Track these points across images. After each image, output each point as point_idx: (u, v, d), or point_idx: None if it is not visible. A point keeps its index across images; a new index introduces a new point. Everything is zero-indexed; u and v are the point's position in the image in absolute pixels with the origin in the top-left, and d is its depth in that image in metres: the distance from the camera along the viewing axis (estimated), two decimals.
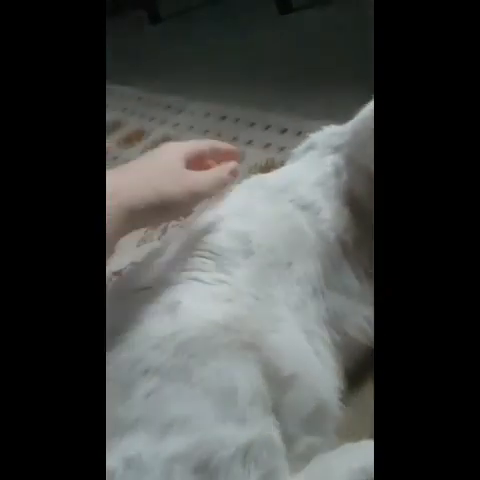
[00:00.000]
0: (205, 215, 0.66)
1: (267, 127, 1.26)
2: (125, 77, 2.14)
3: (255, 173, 1.06)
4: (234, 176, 0.58)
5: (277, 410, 0.48)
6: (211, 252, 0.57)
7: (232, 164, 0.58)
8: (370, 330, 0.59)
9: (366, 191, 0.61)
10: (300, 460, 0.49)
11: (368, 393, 0.59)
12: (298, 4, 2.08)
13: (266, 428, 0.46)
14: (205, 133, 1.38)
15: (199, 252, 0.57)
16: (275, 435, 0.47)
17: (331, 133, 0.69)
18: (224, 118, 1.41)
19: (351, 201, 0.61)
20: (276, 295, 0.56)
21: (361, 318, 0.59)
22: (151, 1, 2.92)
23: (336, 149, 0.65)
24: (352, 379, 0.60)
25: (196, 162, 0.56)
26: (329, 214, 0.60)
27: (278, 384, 0.49)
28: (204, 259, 0.56)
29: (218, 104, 1.51)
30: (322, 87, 1.41)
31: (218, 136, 1.33)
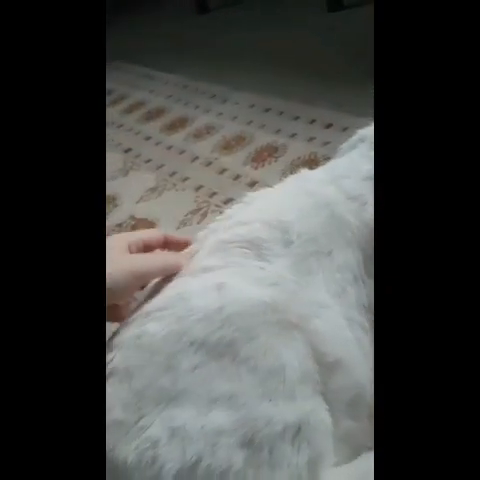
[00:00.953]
0: (237, 207, 0.67)
1: (312, 121, 1.27)
2: (172, 65, 2.18)
3: (298, 166, 1.08)
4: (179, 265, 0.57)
5: (324, 394, 0.49)
6: (250, 243, 0.57)
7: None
8: None
9: None
10: (337, 443, 0.50)
11: None
12: (349, 2, 2.06)
13: (317, 408, 0.47)
14: (249, 124, 1.39)
15: (237, 243, 0.57)
16: (326, 416, 0.47)
17: None
18: (268, 110, 1.42)
19: None
20: (317, 283, 0.56)
21: None
22: None
23: None
24: None
25: (144, 251, 0.57)
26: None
27: (324, 368, 0.49)
28: (244, 250, 0.57)
29: (263, 96, 1.52)
30: (369, 85, 1.40)
31: (261, 128, 1.34)
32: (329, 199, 0.62)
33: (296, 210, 0.61)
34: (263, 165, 1.17)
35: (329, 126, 1.20)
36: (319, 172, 0.70)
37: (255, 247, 0.57)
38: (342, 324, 0.55)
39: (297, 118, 1.32)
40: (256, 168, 1.17)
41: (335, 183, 0.64)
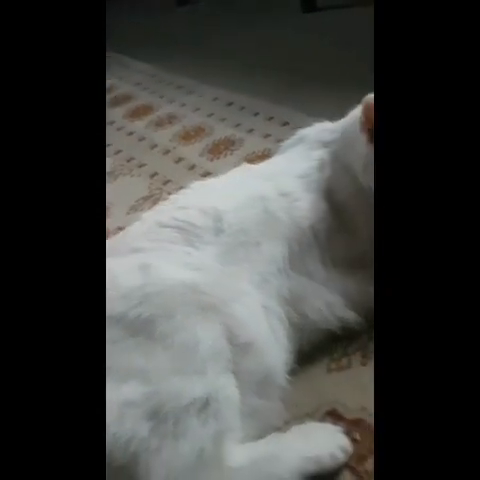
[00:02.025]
0: (183, 193, 0.70)
1: (270, 118, 1.30)
2: (144, 54, 2.17)
3: (251, 160, 1.10)
4: None
5: (235, 373, 0.52)
6: (183, 228, 0.61)
7: None
8: (328, 315, 0.62)
9: (346, 190, 0.64)
10: (246, 419, 0.52)
11: (318, 372, 0.63)
12: (322, 4, 2.10)
13: (226, 384, 0.50)
14: (210, 116, 1.41)
15: (170, 228, 0.61)
16: (235, 393, 0.50)
17: (322, 129, 0.72)
18: (230, 104, 1.45)
19: (330, 196, 0.64)
20: (241, 272, 0.59)
21: (322, 302, 0.62)
22: None
23: (324, 145, 0.68)
24: (306, 358, 0.64)
25: None
26: (306, 204, 0.64)
27: (236, 349, 0.52)
28: (175, 234, 0.60)
29: (228, 91, 1.54)
30: (333, 87, 1.44)
31: (222, 121, 1.37)
32: (263, 194, 0.65)
33: (232, 201, 0.65)
34: (218, 157, 1.19)
35: (285, 124, 1.23)
36: (259, 167, 0.74)
37: (186, 233, 0.61)
38: (259, 311, 0.58)
39: (257, 114, 1.34)
40: (211, 160, 1.19)
41: (271, 179, 0.67)
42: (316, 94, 1.41)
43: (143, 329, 0.50)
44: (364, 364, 0.62)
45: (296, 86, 1.48)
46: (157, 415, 0.47)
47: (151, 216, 0.67)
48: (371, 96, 0.56)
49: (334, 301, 0.62)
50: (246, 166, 0.75)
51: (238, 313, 0.55)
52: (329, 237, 0.63)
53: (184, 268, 0.56)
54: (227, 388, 0.50)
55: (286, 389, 0.58)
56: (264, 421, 0.55)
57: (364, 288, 0.63)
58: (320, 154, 0.67)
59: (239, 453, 0.49)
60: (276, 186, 0.66)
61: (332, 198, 0.64)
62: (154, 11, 3.11)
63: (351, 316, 0.63)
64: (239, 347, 0.53)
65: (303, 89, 1.45)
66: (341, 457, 0.51)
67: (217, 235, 0.61)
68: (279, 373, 0.57)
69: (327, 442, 0.51)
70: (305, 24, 2.01)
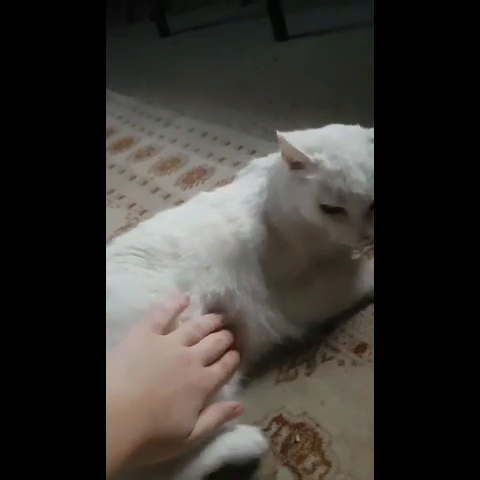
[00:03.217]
0: (150, 220, 0.79)
1: (240, 147, 1.38)
2: (127, 86, 2.28)
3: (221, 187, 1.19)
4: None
5: None
6: (145, 252, 0.70)
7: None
8: (270, 330, 0.70)
9: (277, 211, 0.72)
10: None
11: (267, 383, 0.70)
12: (293, 32, 2.21)
13: None
14: (186, 147, 1.50)
15: (134, 249, 0.70)
16: None
17: (270, 158, 0.80)
18: (205, 135, 1.54)
19: (266, 219, 0.72)
20: (194, 293, 0.67)
21: (263, 318, 0.69)
22: (160, 15, 3.07)
23: (266, 172, 0.76)
24: (257, 371, 0.71)
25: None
26: (249, 228, 0.72)
27: None
28: (139, 257, 0.69)
29: (203, 121, 1.63)
30: (302, 114, 1.54)
31: (196, 151, 1.45)
32: (213, 221, 0.73)
33: (187, 228, 0.73)
34: (191, 186, 1.28)
35: (253, 152, 1.32)
36: (212, 195, 0.82)
37: (149, 257, 0.70)
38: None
39: (228, 143, 1.43)
40: (185, 188, 1.28)
41: (221, 206, 0.76)
42: (277, 121, 1.50)
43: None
44: (308, 374, 0.69)
45: (265, 114, 1.57)
46: None
47: (121, 240, 0.76)
48: (279, 133, 0.65)
49: (275, 317, 0.70)
50: (202, 194, 0.83)
51: None
52: (270, 257, 0.71)
53: (143, 289, 0.65)
54: None
55: (238, 399, 0.66)
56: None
57: (303, 304, 0.71)
58: (261, 180, 0.75)
59: None
60: (224, 212, 0.74)
61: (268, 221, 0.72)
62: (137, 42, 3.25)
63: (293, 331, 0.71)
64: None
65: (273, 117, 1.54)
66: (255, 449, 0.60)
67: (174, 259, 0.69)
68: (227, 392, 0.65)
69: (242, 437, 0.60)
70: (276, 52, 2.12)
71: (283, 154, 0.67)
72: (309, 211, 0.66)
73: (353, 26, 2.08)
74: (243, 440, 0.59)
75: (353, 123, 0.72)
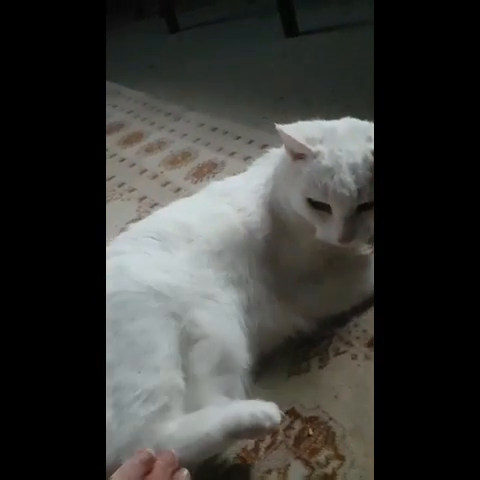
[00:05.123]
0: (163, 208, 0.80)
1: (250, 142, 1.38)
2: (137, 81, 2.28)
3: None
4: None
5: (186, 364, 0.60)
6: (160, 235, 0.71)
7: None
8: (283, 321, 0.70)
9: (282, 202, 0.71)
10: (214, 394, 0.60)
11: (279, 376, 0.69)
12: (304, 28, 2.20)
13: (173, 378, 0.58)
14: (196, 141, 1.50)
15: (149, 233, 0.71)
16: (179, 383, 0.58)
17: (283, 148, 0.79)
18: (215, 129, 1.53)
19: (273, 210, 0.72)
20: (208, 276, 0.67)
21: (277, 310, 0.69)
22: (170, 11, 3.06)
23: (274, 163, 0.76)
24: (269, 364, 0.70)
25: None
26: (257, 218, 0.71)
27: (191, 344, 0.61)
28: (153, 240, 0.70)
29: (213, 116, 1.63)
30: (313, 109, 1.53)
31: (206, 145, 1.45)
32: (223, 210, 0.73)
33: (199, 215, 0.73)
34: (201, 180, 1.27)
35: (264, 146, 1.30)
36: (222, 184, 0.82)
37: (162, 240, 0.70)
38: (219, 312, 0.65)
39: (239, 138, 1.43)
40: (195, 182, 1.27)
41: (230, 195, 0.76)
42: (296, 116, 1.49)
43: (111, 328, 0.57)
44: (321, 367, 0.69)
45: (276, 110, 1.56)
46: (119, 405, 0.54)
47: (136, 226, 0.78)
48: (279, 126, 0.65)
49: (287, 310, 0.69)
50: (212, 184, 0.83)
51: (197, 316, 0.63)
52: (278, 249, 0.71)
53: (156, 269, 0.65)
54: (173, 380, 0.58)
55: (250, 391, 0.65)
56: (230, 395, 0.62)
57: (312, 299, 0.70)
58: (270, 171, 0.75)
59: (173, 423, 0.56)
60: (233, 202, 0.74)
61: (275, 211, 0.72)
62: (146, 38, 3.25)
63: (304, 324, 0.70)
64: (193, 342, 0.62)
65: (283, 112, 1.53)
66: (261, 417, 0.55)
67: (187, 243, 0.70)
68: (237, 353, 0.64)
69: (250, 405, 0.57)
70: (287, 48, 2.11)
71: (285, 146, 0.68)
72: (297, 203, 0.66)
73: (362, 23, 2.06)
74: (247, 409, 0.57)
75: (363, 118, 0.71)
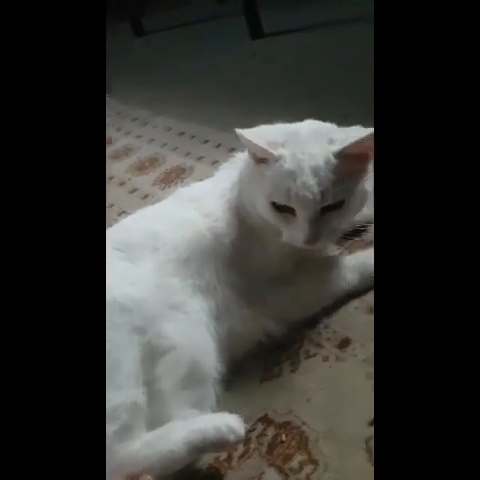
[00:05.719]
0: (130, 216, 0.79)
1: (218, 145, 1.37)
2: (107, 87, 2.24)
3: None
4: None
5: (152, 381, 0.58)
6: (125, 246, 0.69)
7: None
8: (253, 326, 0.69)
9: (248, 205, 0.71)
10: (182, 408, 0.59)
11: (251, 382, 0.69)
12: (269, 30, 2.21)
13: (134, 396, 0.56)
14: (163, 146, 1.48)
15: (114, 245, 0.69)
16: (140, 401, 0.56)
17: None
18: (182, 134, 1.52)
19: (240, 215, 0.71)
20: (174, 285, 0.66)
21: (246, 315, 0.68)
22: (136, 15, 3.04)
23: (239, 167, 0.75)
24: (240, 369, 0.70)
25: None
26: (223, 223, 0.71)
27: (156, 358, 0.59)
28: (118, 252, 0.69)
29: (180, 120, 1.61)
30: (280, 111, 1.53)
31: (174, 150, 1.44)
32: (190, 216, 0.73)
33: (165, 223, 0.72)
34: (169, 186, 1.26)
35: (232, 150, 1.30)
36: (189, 190, 0.81)
37: (128, 251, 0.69)
38: (186, 323, 0.64)
39: (206, 142, 1.42)
40: (163, 188, 1.26)
41: (197, 201, 0.75)
42: (258, 119, 1.48)
43: None
44: (293, 371, 0.68)
45: (244, 112, 1.56)
46: None
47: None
48: (239, 130, 0.65)
49: (257, 314, 0.69)
50: (179, 190, 0.82)
51: (164, 328, 0.62)
52: (247, 253, 0.70)
53: (121, 282, 0.64)
54: (134, 398, 0.56)
55: (221, 399, 0.64)
56: (200, 406, 0.61)
57: (283, 303, 0.70)
58: (235, 175, 0.75)
59: (136, 442, 0.55)
60: (200, 208, 0.74)
61: (242, 215, 0.71)
62: (111, 42, 3.20)
63: (274, 328, 0.70)
64: (159, 355, 0.60)
65: (252, 114, 1.53)
66: (225, 431, 0.55)
67: (153, 252, 0.68)
68: (207, 362, 0.63)
69: (214, 419, 0.57)
70: (253, 50, 2.11)
71: (248, 150, 0.67)
72: (262, 206, 0.66)
73: (326, 23, 2.09)
74: (212, 423, 0.56)
75: (333, 117, 0.71)
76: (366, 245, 0.83)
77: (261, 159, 0.66)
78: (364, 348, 0.67)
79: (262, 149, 0.64)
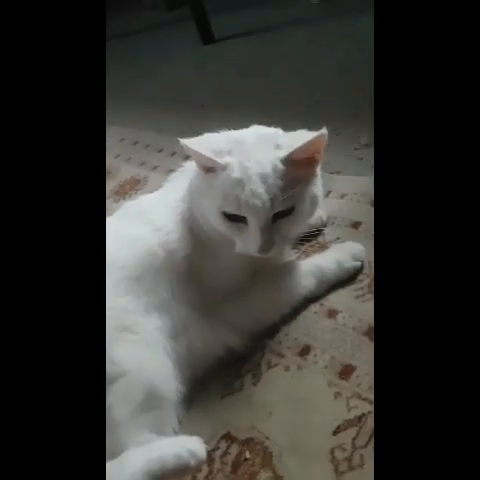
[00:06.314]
0: None
1: (173, 154, 1.34)
2: None
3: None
4: None
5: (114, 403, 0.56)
6: None
7: None
8: (212, 342, 0.67)
9: (199, 217, 0.69)
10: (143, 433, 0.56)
11: (212, 398, 0.66)
12: (219, 35, 2.20)
13: None
14: (117, 157, 1.44)
15: None
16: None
17: None
18: (136, 143, 1.48)
19: (191, 226, 0.69)
20: (126, 305, 0.63)
21: (205, 331, 0.66)
22: None
23: (189, 177, 0.73)
24: (201, 386, 0.67)
25: None
26: (175, 237, 0.68)
27: (109, 383, 0.56)
28: None
29: (134, 129, 1.58)
30: (234, 117, 1.52)
31: (127, 161, 1.40)
32: (139, 232, 0.70)
33: (113, 240, 0.69)
34: (124, 198, 1.22)
35: (187, 158, 1.27)
36: (137, 203, 0.78)
37: None
38: (140, 345, 0.61)
39: (161, 150, 1.39)
40: (118, 201, 1.22)
41: (145, 215, 0.72)
42: (219, 125, 1.47)
43: None
44: (254, 384, 0.66)
45: (198, 119, 1.53)
46: None
47: None
48: (182, 140, 0.64)
49: (216, 328, 0.67)
50: (126, 205, 0.79)
51: (114, 353, 0.59)
52: (201, 267, 0.68)
53: None
54: None
55: (183, 418, 0.62)
56: (159, 430, 0.59)
57: (241, 314, 0.68)
58: (185, 185, 0.72)
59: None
60: (150, 222, 0.71)
61: (195, 227, 0.69)
62: None
63: (234, 340, 0.68)
64: (110, 382, 0.57)
65: (204, 121, 1.51)
66: (185, 456, 0.53)
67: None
68: (165, 385, 0.61)
69: (173, 445, 0.54)
70: (205, 55, 2.09)
71: (194, 160, 0.66)
72: (213, 217, 0.64)
73: (276, 26, 2.10)
74: (171, 449, 0.54)
75: (283, 121, 0.70)
76: (322, 248, 0.82)
77: (209, 168, 0.64)
78: (325, 354, 0.66)
79: (208, 158, 0.62)
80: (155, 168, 1.31)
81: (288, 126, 0.71)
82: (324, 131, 0.60)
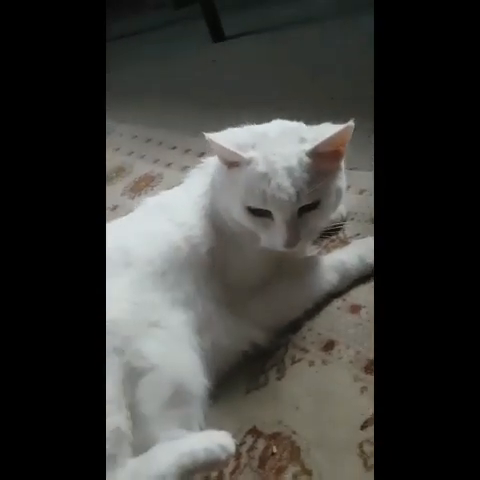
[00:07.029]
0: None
1: (187, 151, 1.34)
2: None
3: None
4: None
5: (134, 402, 0.55)
6: None
7: None
8: (237, 337, 0.66)
9: (223, 212, 0.68)
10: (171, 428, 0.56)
11: (238, 393, 0.66)
12: (230, 33, 2.20)
13: (115, 423, 0.53)
14: (130, 154, 1.44)
15: None
16: (123, 427, 0.54)
17: None
18: (149, 141, 1.48)
19: (215, 220, 0.69)
20: (152, 300, 0.63)
21: (229, 325, 0.66)
22: None
23: (212, 171, 0.73)
24: (226, 381, 0.67)
25: None
26: (199, 231, 0.68)
27: (137, 378, 0.56)
28: None
29: (146, 127, 1.58)
30: (247, 115, 1.51)
31: (141, 158, 1.40)
32: (163, 227, 0.69)
33: (137, 236, 0.69)
34: (139, 194, 1.22)
35: (201, 155, 1.27)
36: (158, 199, 0.78)
37: None
38: (167, 340, 0.61)
39: (174, 148, 1.39)
40: (133, 198, 1.22)
41: (168, 211, 0.72)
42: (225, 122, 1.47)
43: None
44: (279, 379, 0.66)
45: (211, 116, 1.53)
46: None
47: None
48: (208, 135, 0.63)
49: (240, 324, 0.66)
50: (147, 200, 0.79)
51: (142, 347, 0.59)
52: (225, 259, 0.68)
53: None
54: (115, 425, 0.54)
55: (208, 414, 0.62)
56: (188, 425, 0.59)
57: (265, 309, 0.68)
58: (206, 181, 0.72)
59: (123, 471, 0.52)
60: (172, 217, 0.70)
61: (218, 222, 0.69)
62: None
63: (259, 335, 0.67)
64: (139, 376, 0.57)
65: (218, 118, 1.51)
66: (216, 451, 0.53)
67: (127, 268, 0.65)
68: (193, 381, 0.61)
69: (203, 439, 0.55)
70: (215, 53, 2.09)
71: (218, 155, 0.65)
72: (237, 212, 0.64)
73: (286, 25, 2.10)
74: (201, 444, 0.54)
75: (297, 119, 0.70)
76: (343, 243, 0.82)
77: (232, 163, 0.64)
78: (349, 349, 0.66)
79: (232, 152, 0.62)
80: (169, 165, 1.31)
81: (303, 122, 0.70)
82: (351, 123, 0.60)
